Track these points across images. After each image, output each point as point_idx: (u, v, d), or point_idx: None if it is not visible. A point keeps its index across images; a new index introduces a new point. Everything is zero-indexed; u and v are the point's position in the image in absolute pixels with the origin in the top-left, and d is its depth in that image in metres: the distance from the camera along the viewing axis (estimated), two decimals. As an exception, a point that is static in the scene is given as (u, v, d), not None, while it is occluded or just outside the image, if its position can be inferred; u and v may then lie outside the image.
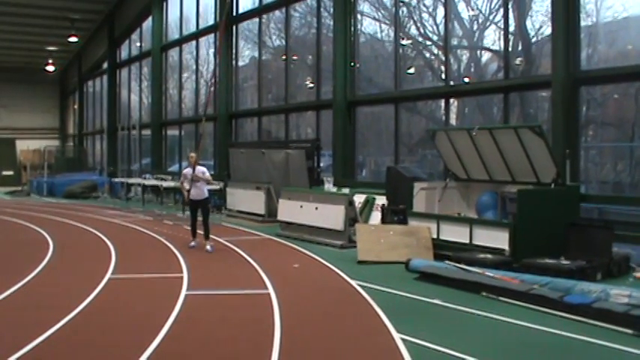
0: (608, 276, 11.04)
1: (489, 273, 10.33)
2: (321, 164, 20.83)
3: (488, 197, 13.56)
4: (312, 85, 23.26)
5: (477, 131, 13.36)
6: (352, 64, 20.15)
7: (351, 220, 14.86)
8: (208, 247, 14.21)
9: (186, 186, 14.70)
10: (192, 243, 14.70)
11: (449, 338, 7.42)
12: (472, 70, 19.79)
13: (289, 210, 16.58)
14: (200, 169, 14.68)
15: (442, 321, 8.51)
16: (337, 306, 9.32)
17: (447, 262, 11.41)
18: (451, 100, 18.63)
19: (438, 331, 7.81)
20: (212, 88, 24.98)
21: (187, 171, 14.80)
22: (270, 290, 10.05)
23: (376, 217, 16.14)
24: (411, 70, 20.46)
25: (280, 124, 24.68)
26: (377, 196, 16.67)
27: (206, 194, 14.78)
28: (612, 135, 18.19)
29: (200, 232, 14.55)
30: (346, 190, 16.94)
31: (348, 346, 7.30)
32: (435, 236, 13.06)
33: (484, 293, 9.70)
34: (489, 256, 11.58)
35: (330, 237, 14.95)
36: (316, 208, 15.55)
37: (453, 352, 6.89)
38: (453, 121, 19.16)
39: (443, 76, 18.38)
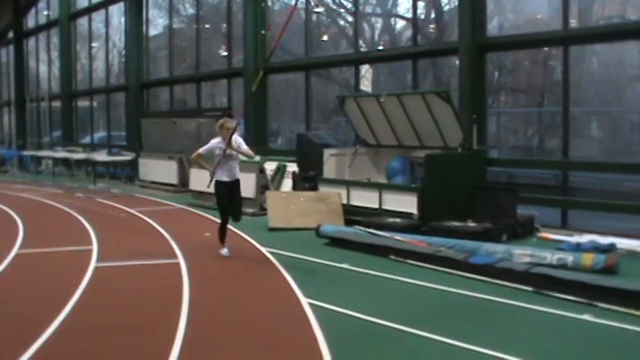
0: (514, 237, 11.36)
1: (398, 237, 10.49)
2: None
3: (397, 162, 13.71)
4: (225, 53, 23.02)
5: (385, 97, 13.47)
6: (262, 31, 19.98)
7: (263, 187, 14.84)
8: (225, 250, 10.52)
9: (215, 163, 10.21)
10: (224, 250, 10.48)
11: (356, 301, 7.52)
12: (386, 37, 19.93)
13: (201, 179, 16.38)
14: (237, 139, 10.24)
15: (350, 285, 8.60)
16: (247, 273, 9.33)
17: (356, 227, 11.52)
18: (365, 68, 18.72)
19: (345, 295, 7.90)
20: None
21: (217, 144, 10.17)
22: (181, 259, 9.99)
23: (288, 184, 16.16)
24: (325, 38, 20.46)
25: (196, 94, 24.42)
26: (289, 164, 16.66)
27: (239, 173, 10.54)
28: (523, 101, 18.61)
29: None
30: (257, 158, 16.85)
31: (256, 312, 7.30)
32: (345, 202, 13.17)
33: (392, 257, 9.84)
34: (398, 220, 11.75)
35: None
36: (227, 177, 15.38)
37: (360, 314, 6.99)
38: (368, 88, 19.28)
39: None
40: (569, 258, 9.13)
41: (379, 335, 6.46)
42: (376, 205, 12.60)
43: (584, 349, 6.12)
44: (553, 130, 16.16)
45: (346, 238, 10.93)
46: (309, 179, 14.38)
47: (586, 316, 6.93)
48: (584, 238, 10.72)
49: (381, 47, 19.20)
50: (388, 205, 12.42)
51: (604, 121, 18.65)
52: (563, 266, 8.94)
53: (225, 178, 10.14)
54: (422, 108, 12.89)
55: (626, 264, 9.22)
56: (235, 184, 10.29)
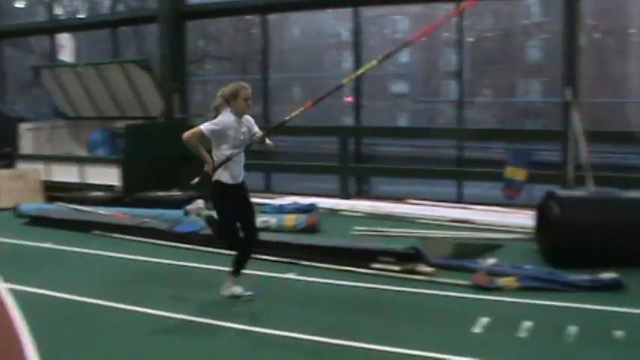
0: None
1: (102, 211, 10.31)
2: None
3: (98, 134, 13.45)
4: None
5: (83, 67, 13.13)
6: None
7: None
8: (243, 289, 6.60)
9: (219, 154, 6.31)
10: (240, 289, 6.56)
11: (60, 281, 7.26)
12: (87, 5, 19.39)
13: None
14: (249, 119, 6.57)
15: (54, 265, 8.29)
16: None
17: (58, 203, 11.17)
18: (66, 37, 18.09)
19: (48, 276, 7.60)
20: None
21: (232, 122, 6.30)
22: None
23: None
24: (21, 5, 19.47)
25: None
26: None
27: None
28: (228, 68, 19.04)
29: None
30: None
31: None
32: (45, 178, 12.69)
33: (96, 231, 9.65)
34: (101, 193, 11.56)
35: None
36: None
37: (63, 294, 6.77)
38: (70, 58, 18.64)
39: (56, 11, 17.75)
40: (272, 220, 9.52)
41: (82, 314, 6.31)
42: (78, 180, 12.33)
43: (288, 306, 6.42)
44: (257, 97, 16.72)
45: (48, 215, 10.54)
46: (4, 156, 13.66)
47: (290, 275, 7.32)
48: (287, 200, 11.22)
49: (81, 16, 18.60)
50: (91, 179, 12.22)
51: (305, 86, 19.68)
52: (267, 228, 9.21)
53: (229, 180, 6.40)
54: (122, 78, 12.73)
55: (326, 222, 9.83)
56: (242, 187, 6.58)
